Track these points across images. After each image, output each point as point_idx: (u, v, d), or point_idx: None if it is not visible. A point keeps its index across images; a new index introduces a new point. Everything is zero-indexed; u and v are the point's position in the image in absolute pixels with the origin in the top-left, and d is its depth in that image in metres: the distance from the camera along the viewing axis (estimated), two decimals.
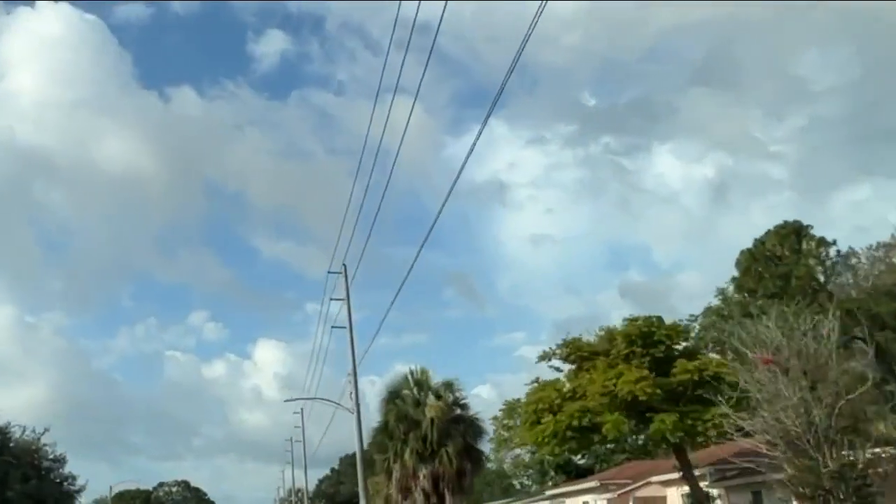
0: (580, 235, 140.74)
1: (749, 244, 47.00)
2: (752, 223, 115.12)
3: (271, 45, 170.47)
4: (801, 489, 16.27)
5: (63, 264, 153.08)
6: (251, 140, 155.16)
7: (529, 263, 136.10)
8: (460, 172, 12.67)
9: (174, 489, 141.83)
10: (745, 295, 45.20)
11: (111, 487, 72.76)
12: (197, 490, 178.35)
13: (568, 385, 26.68)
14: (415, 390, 29.80)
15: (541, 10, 8.46)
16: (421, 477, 27.50)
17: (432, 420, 27.93)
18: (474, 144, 11.69)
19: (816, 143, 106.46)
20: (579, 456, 46.33)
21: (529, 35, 8.78)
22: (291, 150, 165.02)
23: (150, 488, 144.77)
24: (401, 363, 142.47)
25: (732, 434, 18.09)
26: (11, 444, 44.66)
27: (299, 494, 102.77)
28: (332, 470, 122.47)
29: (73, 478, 49.51)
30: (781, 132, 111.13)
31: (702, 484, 27.08)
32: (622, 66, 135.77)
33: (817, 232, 45.87)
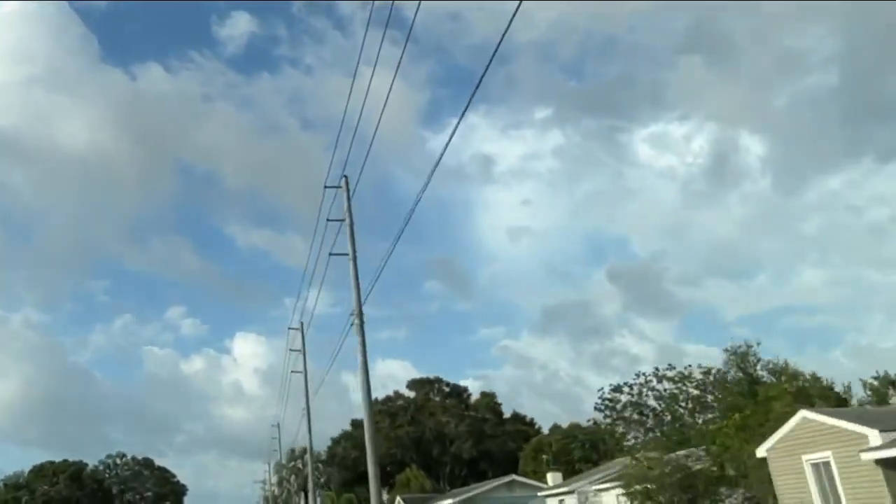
0: (560, 224, 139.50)
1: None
2: (731, 213, 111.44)
3: (239, 27, 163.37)
4: None
5: (29, 253, 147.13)
6: (223, 118, 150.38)
7: (511, 254, 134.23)
8: (436, 166, 11.67)
9: (119, 460, 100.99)
10: None
11: None
12: (163, 470, 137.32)
13: None
14: None
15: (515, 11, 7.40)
16: None
17: None
18: (449, 141, 10.93)
19: (801, 121, 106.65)
20: None
21: (504, 35, 7.96)
22: (265, 126, 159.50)
23: (92, 463, 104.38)
24: (379, 358, 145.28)
25: None
26: None
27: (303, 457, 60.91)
28: (355, 424, 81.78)
29: None
30: (766, 111, 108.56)
31: None
32: (605, 40, 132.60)
33: None
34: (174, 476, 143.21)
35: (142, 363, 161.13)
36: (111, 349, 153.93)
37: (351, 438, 79.96)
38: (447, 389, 77.55)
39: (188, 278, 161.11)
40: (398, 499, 54.90)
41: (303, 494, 68.61)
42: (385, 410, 77.19)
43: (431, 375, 78.22)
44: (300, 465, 67.90)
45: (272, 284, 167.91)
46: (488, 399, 74.61)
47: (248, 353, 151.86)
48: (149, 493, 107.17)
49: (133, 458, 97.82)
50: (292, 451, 68.92)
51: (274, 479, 71.54)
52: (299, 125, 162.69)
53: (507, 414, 75.57)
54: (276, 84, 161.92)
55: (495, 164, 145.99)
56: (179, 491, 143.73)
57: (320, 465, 67.77)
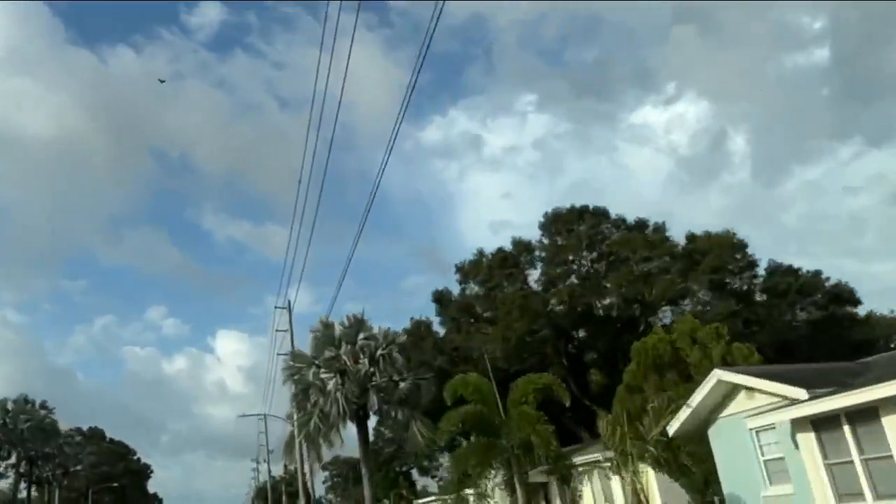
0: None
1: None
2: (711, 205, 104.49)
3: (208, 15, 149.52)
4: None
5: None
6: (197, 99, 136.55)
7: (494, 247, 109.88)
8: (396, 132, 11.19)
9: (11, 403, 61.47)
10: None
11: None
12: (118, 444, 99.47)
13: None
14: None
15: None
16: None
17: None
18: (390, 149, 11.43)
19: (791, 102, 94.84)
20: None
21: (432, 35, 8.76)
22: (240, 108, 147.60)
23: None
24: None
25: None
26: None
27: None
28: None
29: None
30: (756, 90, 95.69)
31: None
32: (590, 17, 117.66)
33: None
34: (134, 453, 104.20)
35: (122, 363, 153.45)
36: (91, 350, 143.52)
37: (422, 340, 41.75)
38: (624, 227, 38.87)
39: (166, 274, 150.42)
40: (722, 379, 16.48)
41: (355, 424, 29.91)
42: (508, 261, 38.61)
43: (577, 203, 39.38)
44: (346, 359, 29.16)
45: (252, 279, 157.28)
46: (723, 240, 35.69)
47: (231, 350, 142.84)
48: (79, 468, 67.95)
49: (45, 407, 58.42)
50: (325, 327, 30.20)
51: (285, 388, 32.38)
52: (277, 105, 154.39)
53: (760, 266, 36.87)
54: (250, 63, 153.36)
55: (476, 158, 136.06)
56: (140, 472, 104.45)
57: (397, 355, 29.00)
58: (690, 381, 19.85)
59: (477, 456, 21.56)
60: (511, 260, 38.91)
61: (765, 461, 16.24)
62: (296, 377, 30.40)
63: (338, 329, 30.17)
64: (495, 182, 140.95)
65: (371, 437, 32.99)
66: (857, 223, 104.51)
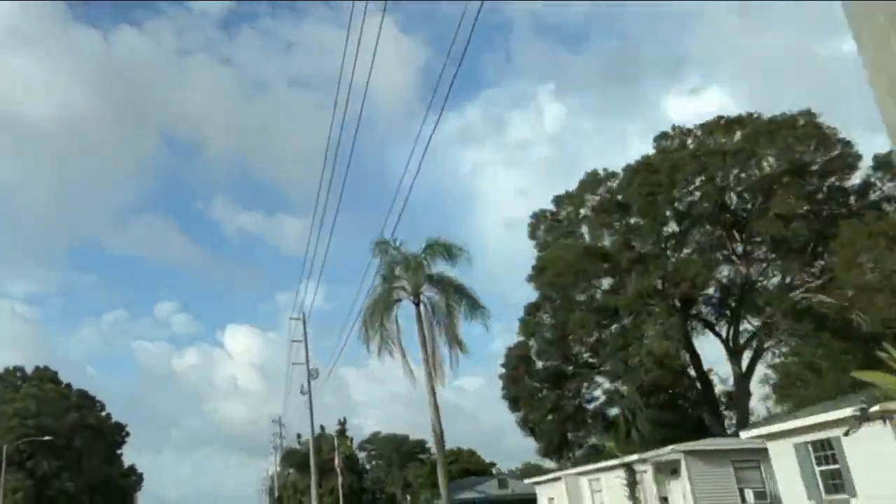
0: None
1: None
2: None
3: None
4: None
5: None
6: (206, 79, 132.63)
7: (507, 247, 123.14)
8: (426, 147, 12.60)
9: None
10: None
11: None
12: (77, 392, 72.52)
13: None
14: None
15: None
16: None
17: None
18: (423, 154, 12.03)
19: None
20: None
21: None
22: (249, 86, 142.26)
23: None
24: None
25: None
26: None
27: None
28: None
29: None
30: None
31: None
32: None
33: None
34: (102, 408, 74.69)
35: (131, 358, 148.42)
36: (100, 344, 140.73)
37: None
38: None
39: (176, 265, 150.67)
40: None
41: None
42: None
43: None
44: None
45: (263, 272, 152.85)
46: None
47: (241, 345, 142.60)
48: None
49: None
50: None
51: None
52: (287, 86, 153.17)
53: None
54: (260, 41, 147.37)
55: (490, 151, 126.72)
56: (104, 432, 74.46)
57: None
58: None
59: None
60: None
61: None
62: None
63: None
64: (510, 177, 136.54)
65: None
66: None
